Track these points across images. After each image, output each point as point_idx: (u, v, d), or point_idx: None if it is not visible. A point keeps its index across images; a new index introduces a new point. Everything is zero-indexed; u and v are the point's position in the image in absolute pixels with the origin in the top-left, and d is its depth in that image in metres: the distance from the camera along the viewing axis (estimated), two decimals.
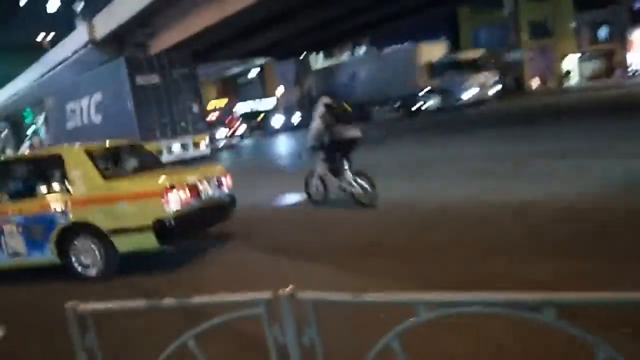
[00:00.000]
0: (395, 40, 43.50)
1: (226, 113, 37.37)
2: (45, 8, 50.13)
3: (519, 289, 1.44)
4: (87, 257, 5.55)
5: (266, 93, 43.17)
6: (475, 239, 5.16)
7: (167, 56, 19.17)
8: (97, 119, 19.41)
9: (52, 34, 43.14)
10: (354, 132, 7.32)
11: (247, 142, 30.26)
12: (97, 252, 5.49)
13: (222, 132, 31.31)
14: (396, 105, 28.07)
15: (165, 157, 15.87)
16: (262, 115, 36.08)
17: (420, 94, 26.34)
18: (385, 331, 1.60)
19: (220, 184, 6.23)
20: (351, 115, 7.75)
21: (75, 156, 5.76)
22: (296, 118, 33.69)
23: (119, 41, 27.42)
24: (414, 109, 26.56)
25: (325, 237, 6.14)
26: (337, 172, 7.39)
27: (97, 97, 19.19)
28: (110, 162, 6.12)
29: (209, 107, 41.76)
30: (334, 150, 7.34)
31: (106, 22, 26.33)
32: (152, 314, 2.12)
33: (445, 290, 1.56)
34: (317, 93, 31.17)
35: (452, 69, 25.55)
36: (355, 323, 3.13)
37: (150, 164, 6.62)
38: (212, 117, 35.67)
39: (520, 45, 34.05)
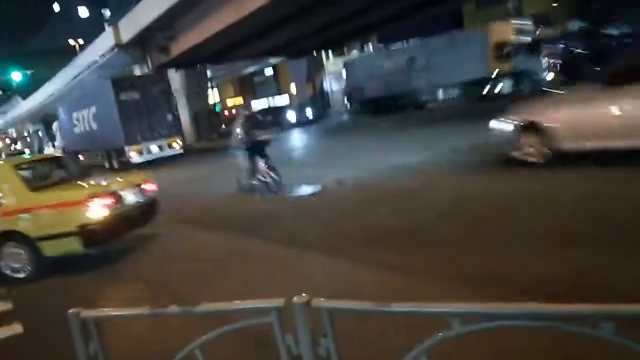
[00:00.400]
0: (402, 37, 42.91)
1: (243, 110, 37.19)
2: (77, 13, 50.40)
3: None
4: (16, 262, 5.86)
5: (280, 90, 42.90)
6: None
7: (145, 77, 23.99)
8: (94, 126, 23.07)
9: (82, 38, 43.14)
10: (265, 135, 9.12)
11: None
12: (25, 257, 5.82)
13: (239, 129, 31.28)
14: (462, 90, 24.53)
15: (145, 157, 20.35)
16: (276, 111, 35.77)
17: (492, 76, 22.69)
18: (409, 340, 1.33)
19: (142, 190, 6.53)
20: (264, 122, 10.14)
21: (3, 171, 6.18)
22: (309, 113, 33.30)
23: (143, 44, 27.27)
24: (484, 93, 22.90)
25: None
26: (255, 167, 8.98)
27: (93, 109, 22.87)
28: (37, 175, 6.50)
29: (228, 105, 41.64)
30: (253, 150, 8.93)
31: (130, 26, 26.14)
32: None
33: None
34: (353, 85, 30.43)
35: (529, 49, 21.74)
36: (374, 329, 2.85)
37: (77, 174, 6.96)
38: (230, 114, 35.63)
39: None
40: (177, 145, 21.42)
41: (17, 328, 4.30)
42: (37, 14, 56.41)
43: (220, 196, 10.06)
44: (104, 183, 6.46)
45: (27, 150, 41.53)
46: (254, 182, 9.02)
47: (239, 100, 42.49)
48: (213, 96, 37.32)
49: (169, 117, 21.72)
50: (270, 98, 42.29)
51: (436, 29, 39.25)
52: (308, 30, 24.88)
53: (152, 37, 25.76)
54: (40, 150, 49.06)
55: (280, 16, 19.98)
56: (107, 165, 22.28)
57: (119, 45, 27.65)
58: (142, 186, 6.58)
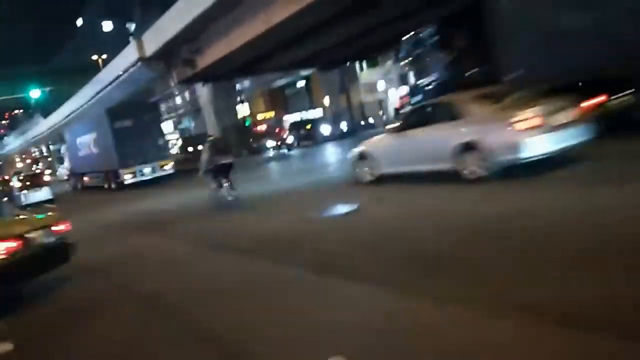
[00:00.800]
0: None
1: (275, 124, 36.94)
2: (101, 28, 51.48)
3: None
4: None
5: (313, 103, 42.51)
6: None
7: (138, 105, 28.21)
8: (95, 150, 26.44)
9: (106, 53, 43.84)
10: (227, 159, 11.04)
11: (295, 151, 29.41)
12: None
13: (270, 143, 30.92)
14: None
15: (138, 178, 23.44)
16: (309, 124, 35.20)
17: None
18: None
19: (53, 232, 6.57)
20: (227, 147, 11.88)
21: None
22: (344, 126, 32.68)
23: (167, 58, 27.32)
24: None
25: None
26: (220, 186, 11.12)
27: (94, 135, 26.31)
28: None
29: (258, 118, 41.38)
30: (217, 172, 11.00)
31: (154, 39, 26.24)
32: None
33: None
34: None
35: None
36: None
37: None
38: (261, 128, 35.31)
39: None
40: (168, 167, 24.26)
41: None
42: (60, 30, 57.95)
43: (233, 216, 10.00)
44: (9, 226, 6.50)
45: (48, 171, 42.08)
46: (222, 197, 11.17)
47: (270, 114, 42.22)
48: (243, 110, 37.17)
49: (160, 141, 25.27)
50: (303, 111, 41.94)
51: None
52: (340, 40, 24.43)
53: (177, 50, 25.83)
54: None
55: (311, 26, 19.52)
56: (105, 186, 25.36)
57: (142, 59, 27.78)
58: (53, 227, 6.59)
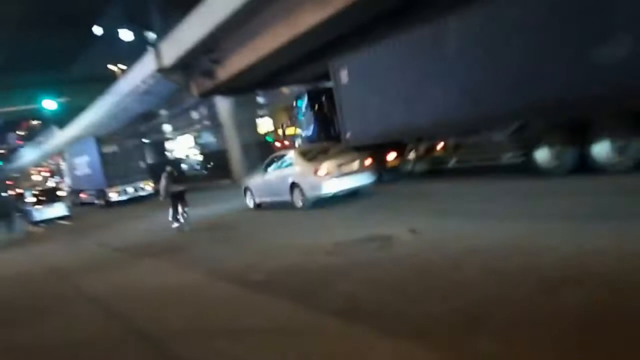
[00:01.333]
0: None
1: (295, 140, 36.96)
2: (119, 37, 52.60)
3: None
4: None
5: None
6: None
7: (121, 133, 34.62)
8: (87, 170, 32.82)
9: (124, 63, 44.67)
10: (181, 187, 14.10)
11: None
12: None
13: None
14: None
15: (122, 196, 29.55)
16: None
17: None
18: None
19: None
20: (180, 177, 15.41)
21: None
22: None
23: (186, 69, 27.63)
24: None
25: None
26: (175, 211, 13.89)
27: (86, 157, 32.75)
28: None
29: (280, 135, 41.51)
30: (174, 198, 13.91)
31: (173, 49, 26.56)
32: None
33: None
34: None
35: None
36: None
37: None
38: (282, 144, 35.33)
39: None
40: (148, 187, 29.59)
41: None
42: (77, 39, 59.44)
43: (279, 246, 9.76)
44: None
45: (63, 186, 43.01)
46: (175, 222, 13.91)
47: (295, 130, 42.31)
48: (265, 125, 37.31)
49: (142, 164, 31.18)
50: None
51: None
52: None
53: (197, 60, 26.09)
54: None
55: (339, 34, 19.45)
56: (96, 202, 31.17)
57: (161, 70, 28.12)
58: None
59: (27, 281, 10.84)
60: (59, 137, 54.36)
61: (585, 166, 10.12)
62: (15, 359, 5.72)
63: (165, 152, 53.00)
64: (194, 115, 47.09)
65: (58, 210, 27.02)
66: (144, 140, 43.55)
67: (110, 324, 6.21)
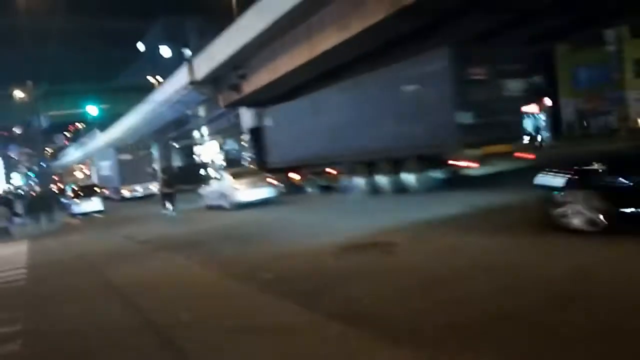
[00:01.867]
0: None
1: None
2: (160, 52, 53.57)
3: None
4: None
5: None
6: None
7: (135, 145, 39.27)
8: (109, 172, 38.81)
9: (162, 76, 45.24)
10: (170, 190, 17.59)
11: None
12: None
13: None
14: None
15: (133, 194, 34.74)
16: None
17: None
18: None
19: None
20: (170, 182, 18.50)
21: None
22: None
23: (215, 82, 27.83)
24: None
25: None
26: (164, 206, 17.35)
27: (107, 162, 39.46)
28: None
29: None
30: (164, 197, 17.55)
31: (204, 64, 26.81)
32: None
33: None
34: None
35: None
36: None
37: None
38: None
39: (624, 85, 30.68)
40: (154, 188, 32.13)
41: None
42: (123, 54, 60.61)
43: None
44: None
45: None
46: (165, 212, 17.29)
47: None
48: None
49: (150, 170, 36.76)
50: None
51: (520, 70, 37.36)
52: None
53: (225, 75, 26.22)
54: None
55: (354, 55, 19.38)
56: (115, 197, 35.58)
57: (193, 83, 28.39)
58: None
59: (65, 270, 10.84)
60: (100, 138, 55.07)
61: (398, 188, 14.59)
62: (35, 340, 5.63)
63: (193, 156, 53.46)
64: (221, 123, 47.32)
65: (94, 204, 27.16)
66: (174, 144, 53.32)
67: (125, 312, 6.11)
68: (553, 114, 34.62)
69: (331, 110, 17.44)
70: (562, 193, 6.29)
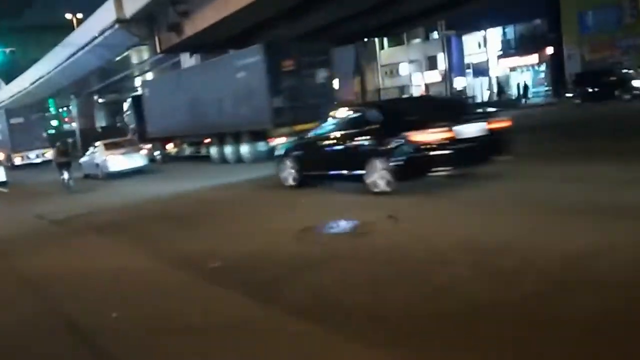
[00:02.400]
0: (476, 24, 41.24)
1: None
2: None
3: None
4: None
5: None
6: None
7: (28, 108, 42.94)
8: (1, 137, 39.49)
9: (83, 12, 43.44)
10: (64, 159, 17.90)
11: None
12: None
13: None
14: None
15: (26, 161, 36.27)
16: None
17: None
18: None
19: None
20: (66, 151, 18.94)
21: None
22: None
23: (150, 21, 26.82)
24: None
25: None
26: (61, 175, 17.58)
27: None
28: None
29: None
30: (59, 166, 17.81)
31: None
32: None
33: None
34: None
35: None
36: None
37: None
38: None
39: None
40: (48, 155, 33.47)
41: None
42: None
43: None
44: None
45: None
46: (62, 180, 17.55)
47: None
48: None
49: (43, 135, 39.55)
50: None
51: (518, 13, 37.54)
52: (358, 10, 23.76)
53: (162, 12, 25.36)
54: None
55: None
56: (7, 164, 34.60)
57: (120, 21, 27.22)
58: None
59: None
60: (5, 91, 52.96)
61: (238, 158, 19.70)
62: None
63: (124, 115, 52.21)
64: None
65: None
66: (97, 99, 55.14)
67: (40, 312, 5.65)
68: (556, 66, 35.01)
69: (191, 88, 22.11)
70: (282, 161, 11.78)
